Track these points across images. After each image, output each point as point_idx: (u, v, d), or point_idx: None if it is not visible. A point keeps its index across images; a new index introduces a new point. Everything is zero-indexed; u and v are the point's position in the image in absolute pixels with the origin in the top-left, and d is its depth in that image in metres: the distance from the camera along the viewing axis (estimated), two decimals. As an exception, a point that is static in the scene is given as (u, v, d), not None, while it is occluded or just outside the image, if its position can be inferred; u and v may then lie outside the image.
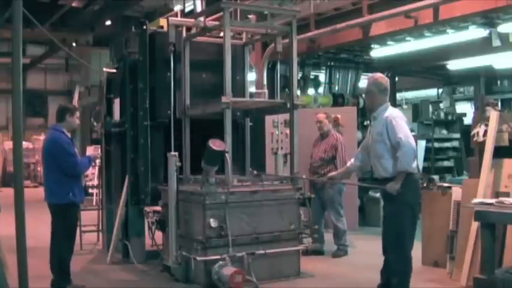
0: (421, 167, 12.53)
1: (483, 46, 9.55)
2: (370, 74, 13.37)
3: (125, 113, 7.42)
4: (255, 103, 7.17)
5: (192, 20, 6.67)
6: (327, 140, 7.72)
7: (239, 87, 7.37)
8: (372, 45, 10.52)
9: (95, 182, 13.70)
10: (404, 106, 17.19)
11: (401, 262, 4.91)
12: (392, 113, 5.00)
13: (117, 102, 7.82)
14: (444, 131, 14.58)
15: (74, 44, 18.73)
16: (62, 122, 5.93)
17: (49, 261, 5.95)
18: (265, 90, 8.21)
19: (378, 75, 5.36)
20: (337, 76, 12.24)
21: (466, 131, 10.01)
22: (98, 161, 8.24)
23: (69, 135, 5.91)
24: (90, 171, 15.02)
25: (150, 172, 6.90)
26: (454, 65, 12.13)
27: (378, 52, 10.66)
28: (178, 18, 6.84)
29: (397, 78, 13.18)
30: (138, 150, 6.97)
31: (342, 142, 7.67)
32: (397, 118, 4.93)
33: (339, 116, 9.73)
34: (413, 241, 5.01)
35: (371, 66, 12.47)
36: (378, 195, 10.34)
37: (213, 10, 8.38)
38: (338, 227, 7.58)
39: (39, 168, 22.57)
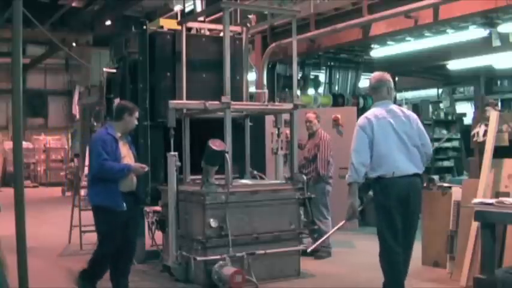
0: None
1: (483, 46, 9.55)
2: (370, 74, 13.46)
3: (125, 113, 7.40)
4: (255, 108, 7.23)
5: (195, 102, 6.62)
6: (312, 140, 7.71)
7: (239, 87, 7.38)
8: (372, 45, 10.53)
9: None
10: (404, 106, 17.20)
11: (383, 261, 4.87)
12: (360, 118, 4.92)
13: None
14: (444, 131, 14.58)
15: (74, 44, 18.73)
16: (118, 121, 5.49)
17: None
18: (266, 91, 8.23)
19: (375, 73, 5.19)
20: (337, 76, 12.25)
21: (466, 131, 10.01)
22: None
23: (116, 134, 5.41)
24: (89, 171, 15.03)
25: (150, 172, 6.89)
26: (454, 65, 12.13)
27: (377, 52, 10.67)
28: (180, 101, 6.68)
29: (397, 78, 13.18)
30: (138, 150, 6.96)
31: (326, 141, 7.59)
32: (357, 126, 4.86)
33: (339, 116, 9.75)
34: (392, 239, 4.81)
35: (371, 66, 12.46)
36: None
37: (213, 10, 8.40)
38: (321, 229, 7.50)
39: (39, 168, 22.60)
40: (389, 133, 4.79)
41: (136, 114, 5.56)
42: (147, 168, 5.65)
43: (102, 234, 5.43)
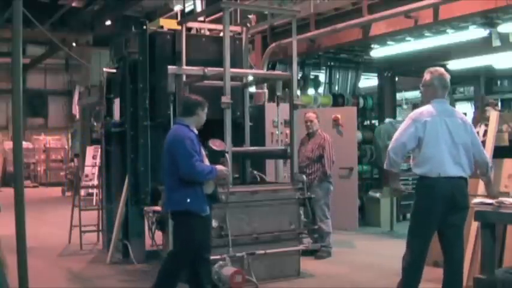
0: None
1: (483, 46, 9.55)
2: (370, 74, 13.47)
3: (125, 113, 7.41)
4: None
5: (194, 68, 6.63)
6: (313, 140, 7.70)
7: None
8: (372, 45, 10.52)
9: (95, 182, 13.72)
10: (404, 106, 17.19)
11: (404, 261, 4.83)
12: (415, 111, 4.88)
13: (117, 102, 7.82)
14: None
15: (74, 44, 18.74)
16: (190, 117, 5.01)
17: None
18: (265, 90, 8.23)
19: (431, 68, 5.03)
20: (337, 76, 12.25)
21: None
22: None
23: (196, 131, 5.02)
24: (90, 170, 15.07)
25: (150, 172, 6.89)
26: (454, 65, 12.12)
27: (377, 52, 10.66)
28: (178, 67, 6.75)
29: (397, 78, 13.19)
30: (138, 150, 6.96)
31: (329, 141, 7.63)
32: (409, 117, 4.82)
33: (339, 116, 9.76)
34: (424, 243, 4.80)
35: (371, 66, 12.46)
36: (377, 195, 10.37)
37: (213, 10, 8.40)
38: (322, 228, 7.46)
39: (39, 168, 22.62)
40: (442, 133, 4.68)
41: (206, 108, 5.12)
42: (229, 173, 5.17)
43: (185, 241, 4.94)
